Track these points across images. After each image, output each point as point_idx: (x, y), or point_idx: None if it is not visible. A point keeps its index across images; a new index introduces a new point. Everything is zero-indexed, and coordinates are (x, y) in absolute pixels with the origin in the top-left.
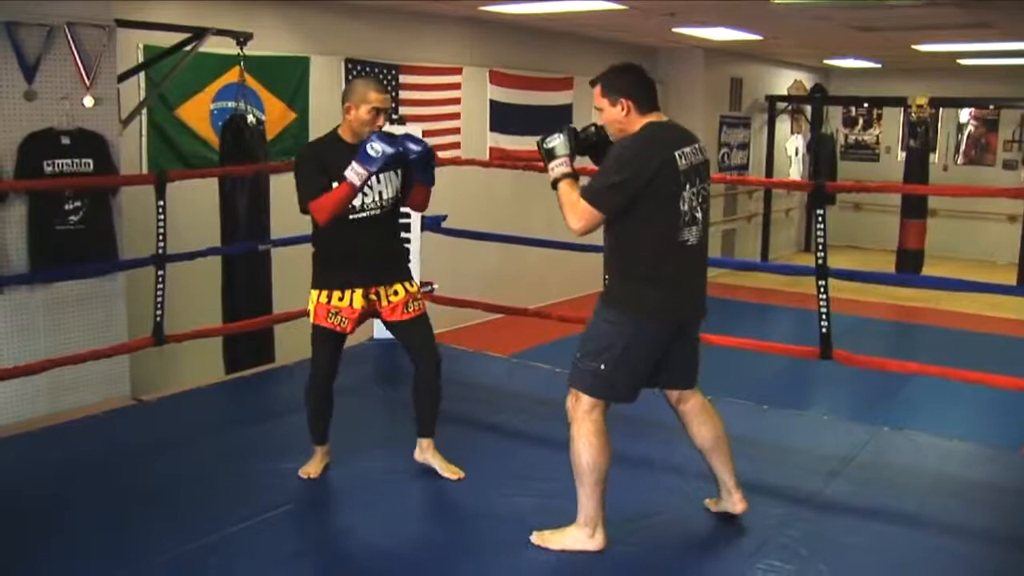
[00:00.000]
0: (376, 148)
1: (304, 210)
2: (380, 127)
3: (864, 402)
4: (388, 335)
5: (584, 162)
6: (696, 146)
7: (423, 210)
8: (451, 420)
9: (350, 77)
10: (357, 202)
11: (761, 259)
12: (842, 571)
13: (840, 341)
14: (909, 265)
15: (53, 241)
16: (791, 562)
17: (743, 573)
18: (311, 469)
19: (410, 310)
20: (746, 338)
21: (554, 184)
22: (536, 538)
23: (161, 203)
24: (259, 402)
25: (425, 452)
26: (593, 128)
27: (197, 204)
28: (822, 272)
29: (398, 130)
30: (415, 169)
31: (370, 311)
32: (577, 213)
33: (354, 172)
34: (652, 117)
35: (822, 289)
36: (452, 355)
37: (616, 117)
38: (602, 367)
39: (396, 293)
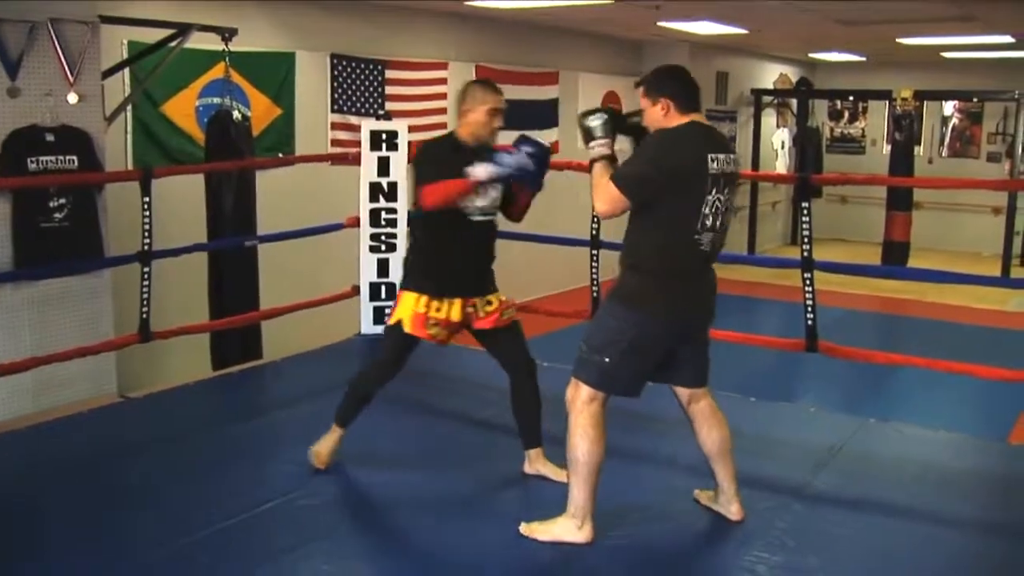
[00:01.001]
0: (518, 160)
1: (417, 201)
2: (497, 128)
3: (851, 394)
4: (376, 331)
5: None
6: (730, 156)
7: (520, 220)
8: (439, 415)
9: (336, 72)
10: (481, 202)
11: (747, 252)
12: (830, 562)
13: (826, 333)
14: (895, 257)
15: (38, 238)
16: (779, 553)
17: (732, 564)
18: (322, 449)
19: (505, 318)
20: (732, 331)
21: (591, 164)
22: (524, 528)
23: (147, 199)
24: (247, 399)
25: (535, 463)
26: (638, 117)
27: (183, 200)
28: (808, 265)
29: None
30: (528, 177)
31: (464, 324)
32: (604, 196)
33: (484, 170)
34: (692, 117)
35: (808, 282)
36: (438, 350)
37: (656, 117)
38: (607, 360)
39: (490, 303)
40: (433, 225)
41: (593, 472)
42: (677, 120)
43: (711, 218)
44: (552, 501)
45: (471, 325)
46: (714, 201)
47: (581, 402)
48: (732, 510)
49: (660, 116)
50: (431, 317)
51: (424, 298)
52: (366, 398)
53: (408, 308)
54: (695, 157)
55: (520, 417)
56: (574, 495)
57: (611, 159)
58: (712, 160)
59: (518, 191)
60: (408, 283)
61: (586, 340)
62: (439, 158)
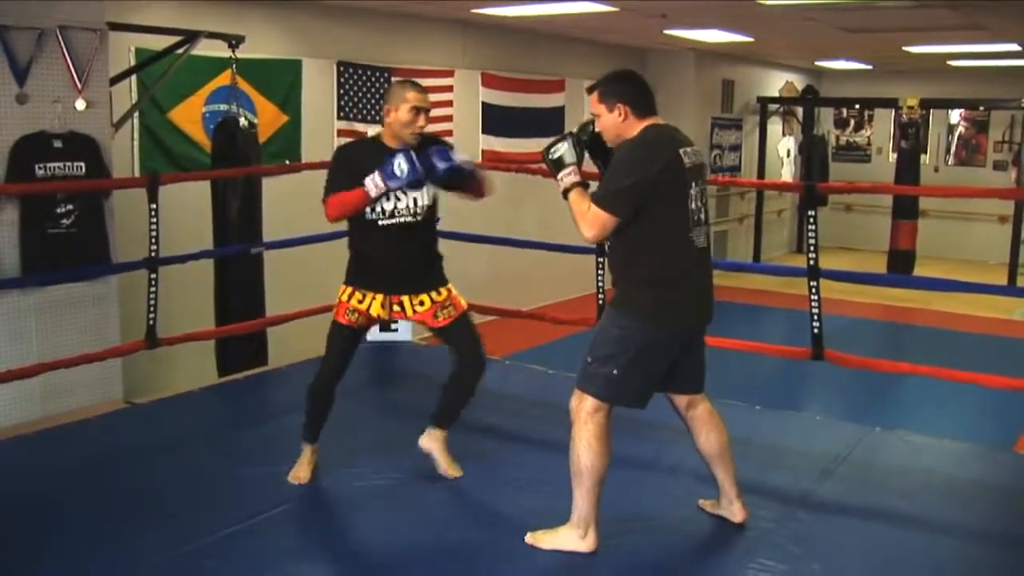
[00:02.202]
0: (401, 168)
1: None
2: (422, 127)
3: (856, 402)
4: (383, 337)
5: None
6: (694, 148)
7: (480, 199)
8: None
9: (342, 80)
10: (389, 206)
11: (753, 260)
12: (835, 570)
13: (832, 342)
14: (900, 266)
15: (45, 244)
16: (784, 562)
17: (736, 573)
18: (301, 473)
19: (439, 319)
20: (738, 339)
21: (565, 194)
22: (529, 538)
23: (153, 206)
24: (252, 405)
25: (434, 442)
26: (591, 126)
27: (189, 207)
28: (813, 273)
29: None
30: (457, 180)
31: (388, 319)
32: (589, 220)
33: (372, 183)
34: (650, 121)
35: (813, 290)
36: (444, 359)
37: (613, 122)
38: (615, 372)
39: (422, 304)
40: (352, 227)
41: (597, 484)
42: (636, 125)
43: (697, 213)
44: (560, 510)
45: (404, 319)
46: (696, 195)
47: (586, 413)
48: (734, 511)
49: (617, 121)
50: (351, 306)
51: (349, 289)
52: (320, 402)
53: (338, 298)
54: (669, 157)
55: (444, 397)
56: (578, 505)
57: (584, 185)
58: (684, 155)
59: (462, 190)
60: (345, 277)
61: (591, 352)
62: (350, 161)
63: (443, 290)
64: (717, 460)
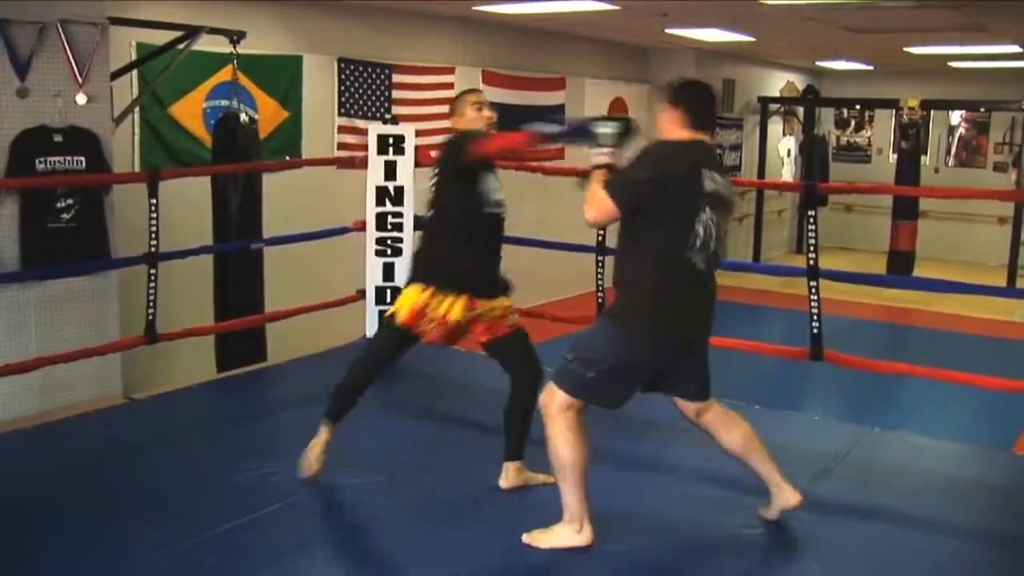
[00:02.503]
0: (576, 125)
1: (466, 155)
2: (490, 117)
3: (855, 403)
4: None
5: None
6: (727, 180)
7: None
8: (441, 419)
9: (343, 76)
10: (495, 196)
11: (753, 260)
12: (833, 570)
13: (831, 342)
14: (900, 266)
15: (45, 239)
16: (783, 561)
17: (735, 572)
18: (313, 459)
19: (510, 323)
20: (737, 338)
21: (590, 171)
22: (526, 538)
23: (153, 201)
24: (251, 401)
25: (515, 476)
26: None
27: (189, 202)
28: (813, 273)
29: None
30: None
31: (463, 328)
32: (594, 203)
33: (554, 126)
34: (696, 135)
35: (813, 290)
36: (442, 354)
37: (666, 121)
38: (589, 375)
39: (493, 310)
40: (453, 218)
41: (580, 476)
42: (683, 134)
43: (703, 238)
44: (555, 506)
45: (473, 332)
46: (707, 220)
47: (556, 408)
48: (787, 496)
49: (668, 123)
50: (428, 314)
51: (429, 290)
52: (358, 386)
53: (408, 300)
54: (689, 170)
55: (507, 425)
56: (567, 501)
57: (611, 169)
58: (707, 178)
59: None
60: (414, 277)
61: (574, 350)
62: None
63: (509, 298)
64: (747, 454)
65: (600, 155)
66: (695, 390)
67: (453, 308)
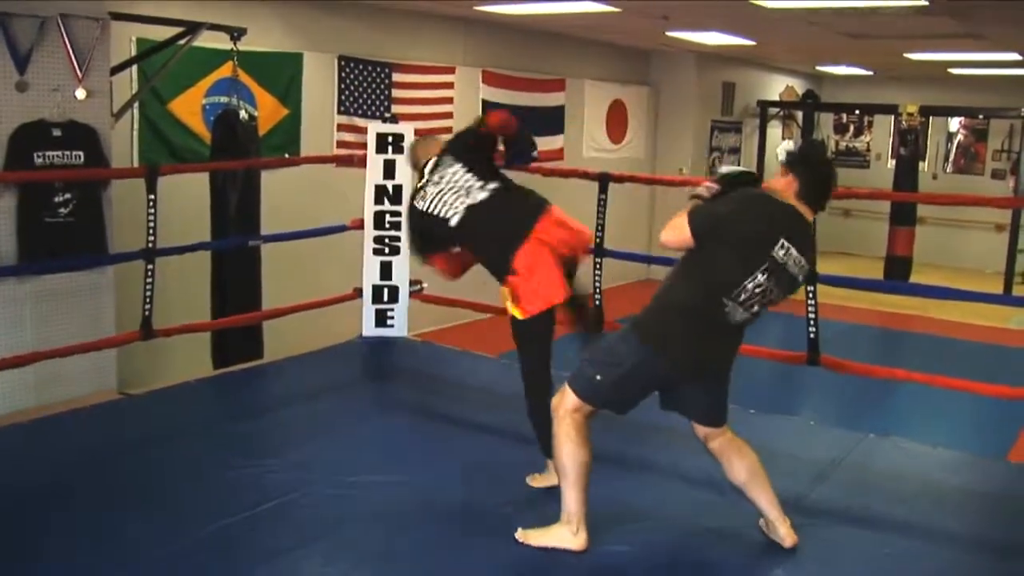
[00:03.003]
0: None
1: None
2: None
3: (851, 408)
4: (377, 333)
5: None
6: (803, 259)
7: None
8: (438, 419)
9: (343, 74)
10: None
11: None
12: (827, 575)
13: (828, 347)
14: (897, 272)
15: (42, 233)
16: (777, 566)
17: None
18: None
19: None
20: None
21: (690, 199)
22: (520, 535)
23: (152, 197)
24: (247, 398)
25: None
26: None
27: (188, 199)
28: (811, 278)
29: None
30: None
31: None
32: (672, 224)
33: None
34: (800, 207)
35: (811, 295)
36: (440, 354)
37: (777, 181)
38: (598, 377)
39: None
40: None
41: (581, 478)
42: (789, 199)
43: (750, 294)
44: (550, 508)
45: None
46: (763, 283)
47: (564, 410)
48: (781, 534)
49: (780, 183)
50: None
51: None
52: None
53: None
54: (769, 228)
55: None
56: (566, 501)
57: (702, 201)
58: (783, 246)
59: None
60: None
61: (591, 351)
62: None
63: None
64: (750, 486)
65: (702, 188)
66: (707, 416)
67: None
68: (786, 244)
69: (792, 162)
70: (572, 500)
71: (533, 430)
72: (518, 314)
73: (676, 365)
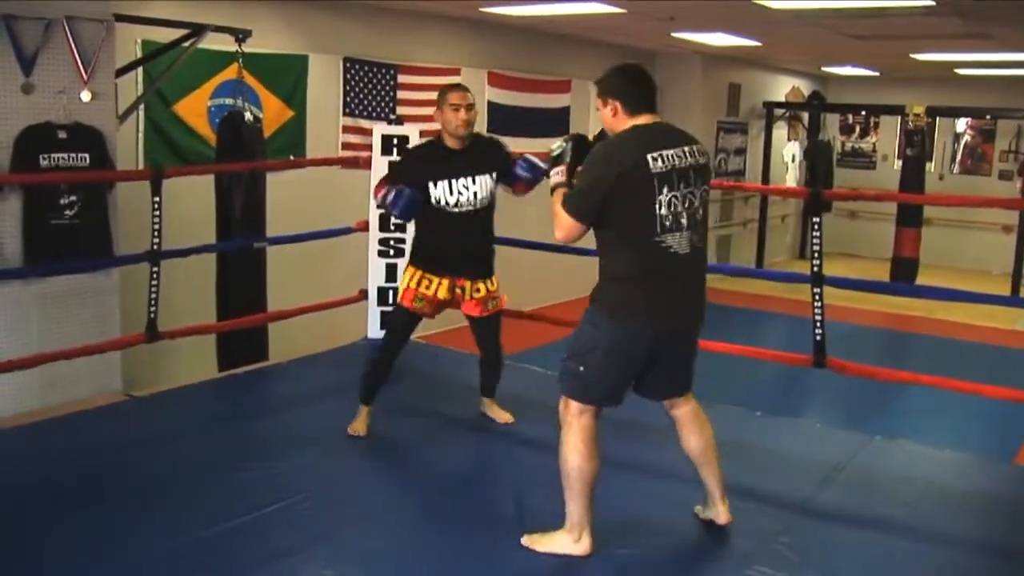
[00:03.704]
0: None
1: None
2: (466, 120)
3: (857, 411)
4: (382, 335)
5: None
6: (685, 149)
7: (525, 194)
8: (442, 421)
9: (348, 76)
10: (453, 199)
11: (756, 265)
12: None
13: (834, 349)
14: (904, 274)
15: (48, 235)
16: (782, 569)
17: None
18: (359, 427)
19: (488, 308)
20: (740, 344)
21: (552, 192)
22: (525, 540)
23: (157, 199)
24: (252, 400)
25: (489, 408)
26: (602, 132)
27: (193, 201)
28: (817, 280)
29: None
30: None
31: (452, 302)
32: (557, 222)
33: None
34: (641, 119)
35: (817, 296)
36: (444, 356)
37: (607, 118)
38: (582, 368)
39: (478, 291)
40: (422, 215)
41: (586, 486)
42: (625, 122)
43: (673, 218)
44: (554, 512)
45: (459, 308)
46: (670, 200)
47: (571, 415)
48: (719, 512)
49: (610, 118)
50: (420, 292)
51: (418, 273)
52: (381, 367)
53: (404, 282)
54: (632, 161)
55: (483, 376)
56: (570, 509)
57: (567, 186)
58: (655, 159)
59: (516, 186)
60: (410, 259)
61: (568, 348)
62: (421, 160)
63: (495, 280)
64: (701, 461)
65: (554, 175)
66: (673, 387)
67: (440, 287)
68: (655, 155)
69: (607, 89)
70: (576, 508)
71: (492, 380)
72: (499, 303)
73: (647, 324)
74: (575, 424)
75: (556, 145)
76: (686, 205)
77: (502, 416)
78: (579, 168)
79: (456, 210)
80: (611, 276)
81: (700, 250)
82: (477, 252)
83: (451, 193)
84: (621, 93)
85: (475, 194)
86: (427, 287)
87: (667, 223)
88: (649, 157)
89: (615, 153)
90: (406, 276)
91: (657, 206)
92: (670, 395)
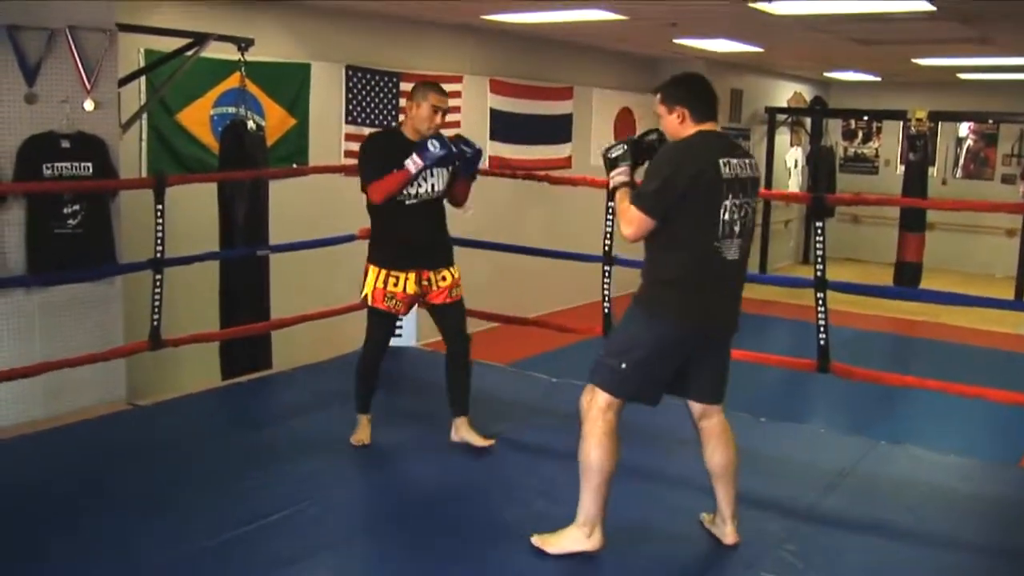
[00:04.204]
0: (434, 145)
1: (364, 189)
2: (439, 124)
3: (862, 415)
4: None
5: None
6: (746, 161)
7: (462, 204)
8: (446, 428)
9: (351, 84)
10: (412, 190)
11: (759, 271)
12: None
13: (838, 354)
14: (907, 278)
15: (51, 244)
16: (787, 575)
17: None
18: (362, 436)
19: (453, 295)
20: (743, 349)
21: (612, 193)
22: (536, 540)
23: (160, 207)
24: (256, 408)
25: (460, 431)
26: (655, 134)
27: (196, 209)
28: (821, 284)
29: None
30: (462, 166)
31: (421, 295)
32: (627, 219)
33: (412, 162)
34: (706, 127)
35: (821, 301)
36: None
37: (672, 125)
38: (623, 365)
39: (444, 279)
40: (379, 211)
41: (605, 482)
42: (691, 129)
43: (730, 224)
44: (560, 518)
45: (426, 298)
46: (731, 206)
47: (597, 409)
48: (726, 532)
49: (676, 124)
50: (388, 291)
51: (383, 272)
52: (369, 377)
53: (369, 283)
54: (706, 164)
55: (450, 386)
56: (585, 504)
57: (632, 185)
58: (724, 165)
59: (457, 182)
60: (370, 257)
61: (606, 345)
62: (382, 148)
63: (456, 268)
64: (719, 478)
65: (618, 175)
66: (710, 390)
67: (408, 282)
68: (725, 161)
69: (675, 96)
70: (591, 503)
71: (462, 387)
72: (461, 291)
73: (693, 326)
74: (600, 419)
75: (612, 148)
76: (741, 214)
77: (479, 440)
78: (646, 166)
79: (413, 201)
80: (658, 278)
81: (745, 259)
82: (437, 240)
83: (411, 184)
84: (689, 101)
85: (433, 185)
86: (395, 284)
87: (726, 229)
88: (721, 162)
89: (690, 155)
90: (371, 277)
91: (722, 211)
92: (706, 398)
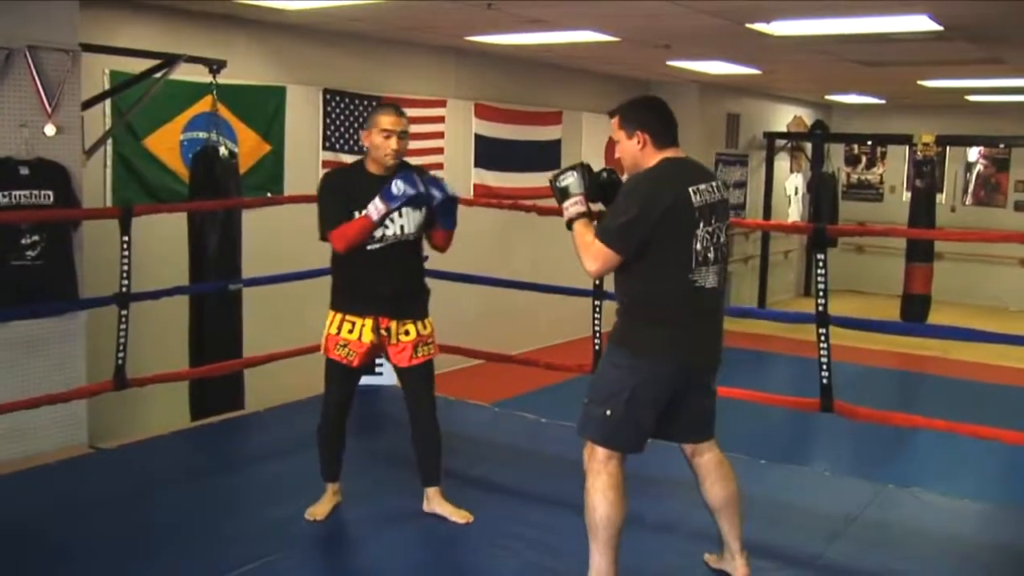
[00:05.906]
0: (399, 187)
1: (324, 238)
2: (395, 150)
3: (867, 457)
4: (366, 381)
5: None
6: (713, 184)
7: (444, 251)
8: None
9: (328, 108)
10: (377, 233)
11: (758, 304)
12: None
13: (842, 392)
14: (915, 311)
15: (8, 277)
16: None
17: None
18: (318, 510)
19: (418, 355)
20: (742, 388)
21: (569, 224)
22: None
23: (126, 238)
24: (227, 451)
25: (432, 502)
26: (605, 172)
27: (164, 240)
28: (823, 320)
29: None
30: (436, 213)
31: (380, 346)
32: (591, 254)
33: (374, 207)
34: (669, 152)
35: (823, 337)
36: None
37: (632, 150)
38: (608, 412)
39: (407, 333)
40: (337, 254)
41: (613, 536)
42: (653, 156)
43: (704, 253)
44: (550, 567)
45: (386, 351)
46: (704, 235)
47: (598, 463)
48: (736, 567)
49: (636, 150)
50: (342, 338)
51: (339, 316)
52: (331, 440)
53: (326, 329)
54: (675, 195)
55: (418, 456)
56: (595, 562)
57: (589, 215)
58: (695, 193)
59: (435, 226)
60: (331, 303)
61: (589, 392)
62: (341, 189)
63: (428, 323)
64: (721, 512)
65: (572, 206)
66: (696, 430)
67: (364, 330)
68: (695, 188)
69: (634, 120)
70: (602, 559)
71: (431, 458)
72: (433, 350)
73: (678, 361)
74: (603, 471)
75: (562, 176)
76: (714, 240)
77: (454, 514)
78: (613, 199)
79: (377, 245)
80: (635, 315)
81: (722, 286)
82: (403, 288)
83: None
84: (650, 125)
85: (402, 227)
86: (349, 331)
87: (699, 258)
88: (691, 190)
89: (659, 187)
90: (327, 322)
91: (694, 240)
92: (693, 438)
